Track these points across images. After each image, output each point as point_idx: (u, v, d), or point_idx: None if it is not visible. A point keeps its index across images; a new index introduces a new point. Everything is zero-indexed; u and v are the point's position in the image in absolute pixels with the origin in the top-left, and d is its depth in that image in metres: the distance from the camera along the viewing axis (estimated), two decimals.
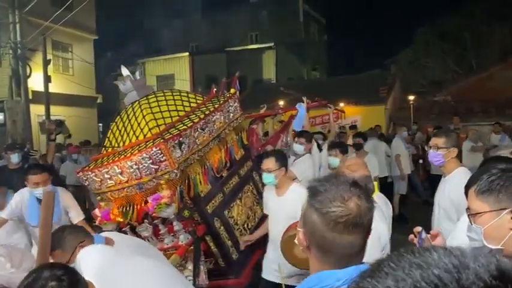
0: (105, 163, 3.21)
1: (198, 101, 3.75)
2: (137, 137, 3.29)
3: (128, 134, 3.36)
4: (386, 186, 7.17)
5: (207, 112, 3.46)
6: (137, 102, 3.52)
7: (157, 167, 3.00)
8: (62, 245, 2.10)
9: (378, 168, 5.90)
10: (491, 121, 10.63)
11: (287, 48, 26.17)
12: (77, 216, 3.65)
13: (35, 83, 15.25)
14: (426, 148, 3.40)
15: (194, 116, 3.45)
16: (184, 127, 3.23)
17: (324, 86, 20.04)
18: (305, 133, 5.18)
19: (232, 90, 4.01)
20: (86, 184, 3.37)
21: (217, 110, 3.54)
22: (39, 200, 3.42)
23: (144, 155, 2.99)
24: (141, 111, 3.37)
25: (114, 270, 1.83)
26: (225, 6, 27.06)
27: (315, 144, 5.12)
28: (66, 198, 3.67)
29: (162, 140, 3.00)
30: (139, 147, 3.10)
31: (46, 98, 14.79)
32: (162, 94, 3.63)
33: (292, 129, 5.52)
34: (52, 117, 15.18)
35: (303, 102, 5.71)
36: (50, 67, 15.58)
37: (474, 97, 15.41)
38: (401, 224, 6.72)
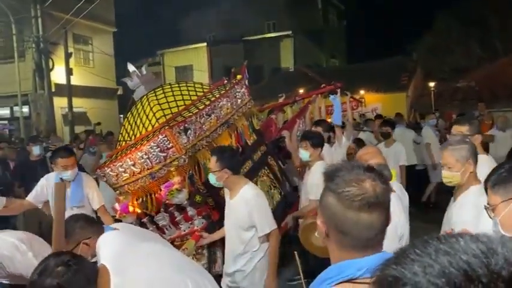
0: (119, 157, 3.30)
1: (205, 90, 3.79)
2: (146, 129, 3.37)
3: (138, 127, 3.45)
4: (415, 174, 7.00)
5: (212, 99, 3.48)
6: (145, 96, 3.61)
7: (165, 154, 3.08)
8: (68, 235, 2.15)
9: (405, 156, 5.77)
10: None
11: (305, 36, 25.88)
12: (97, 202, 3.71)
13: (58, 76, 15.57)
14: (448, 136, 3.24)
15: (200, 103, 3.50)
16: (190, 114, 3.28)
17: (343, 74, 19.78)
18: (323, 122, 5.12)
19: (238, 77, 3.97)
20: (104, 180, 3.45)
21: (223, 96, 3.55)
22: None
23: (152, 143, 3.08)
24: (149, 103, 3.46)
25: (128, 254, 1.88)
26: None
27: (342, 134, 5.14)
28: (88, 184, 3.73)
29: (167, 127, 3.07)
30: (148, 137, 3.19)
31: (68, 91, 15.10)
32: (169, 87, 3.70)
33: (303, 112, 5.42)
34: (74, 109, 15.53)
35: (336, 93, 5.56)
36: (72, 60, 15.87)
37: (499, 82, 14.98)
38: (433, 213, 6.65)
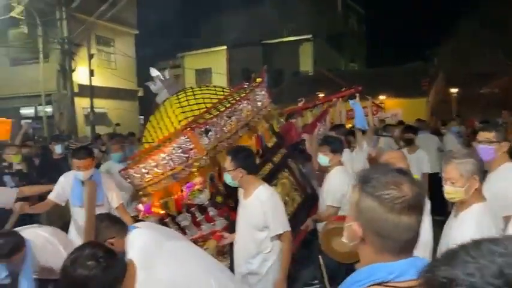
0: (142, 159, 3.38)
1: (226, 93, 3.84)
2: (169, 131, 3.44)
3: (161, 130, 3.53)
4: (438, 183, 6.86)
5: (233, 101, 3.54)
6: (168, 99, 3.70)
7: (187, 155, 3.15)
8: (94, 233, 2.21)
9: (429, 163, 5.65)
10: None
11: (324, 40, 25.79)
12: (116, 200, 3.79)
13: (80, 76, 15.91)
14: (474, 143, 3.15)
15: (221, 106, 3.56)
16: (211, 116, 3.34)
17: (362, 78, 19.61)
18: (341, 127, 5.09)
19: (258, 80, 3.98)
20: (128, 182, 3.53)
21: (244, 98, 3.60)
22: (82, 183, 3.65)
23: (175, 145, 3.15)
24: (171, 106, 3.55)
25: (154, 251, 1.91)
26: None
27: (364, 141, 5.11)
28: (108, 184, 3.84)
29: (189, 129, 3.14)
30: (170, 139, 3.26)
31: (90, 91, 15.42)
32: (190, 90, 3.78)
33: (325, 115, 5.43)
34: (95, 110, 15.84)
35: (355, 97, 5.53)
36: (94, 61, 16.20)
37: None
38: None
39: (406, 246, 1.06)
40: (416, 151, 5.64)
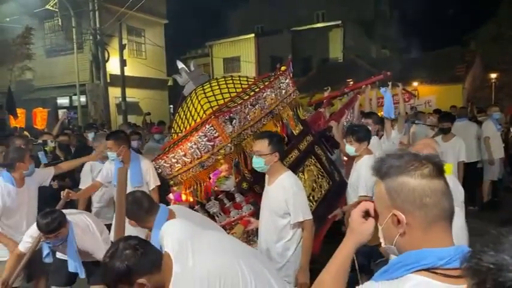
0: (171, 149, 3.48)
1: (250, 83, 3.89)
2: (195, 120, 3.52)
3: (188, 120, 3.62)
4: (476, 173, 6.62)
5: (257, 90, 3.58)
6: (193, 91, 3.77)
7: (213, 143, 3.22)
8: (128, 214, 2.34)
9: (465, 152, 5.45)
10: None
11: (355, 26, 25.19)
12: (153, 182, 3.98)
13: (112, 67, 16.28)
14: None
15: (245, 94, 3.61)
16: (235, 104, 3.40)
17: (394, 65, 19.07)
18: (373, 114, 4.98)
19: (282, 68, 3.97)
20: (159, 172, 3.64)
21: (268, 87, 3.63)
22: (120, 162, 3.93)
23: (200, 133, 3.23)
24: (197, 97, 3.63)
25: (189, 242, 1.93)
26: None
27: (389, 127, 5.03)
28: (146, 167, 4.00)
29: (213, 117, 3.20)
30: (196, 128, 3.34)
31: (122, 81, 15.76)
32: (215, 80, 3.86)
33: (352, 102, 5.32)
34: (127, 99, 16.19)
35: (387, 85, 5.41)
36: (125, 51, 16.52)
37: None
38: (489, 211, 6.28)
39: (450, 215, 1.06)
40: (452, 139, 5.45)
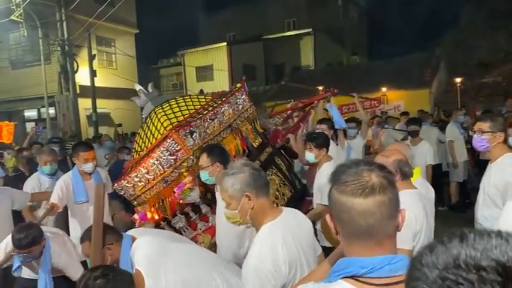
0: (133, 168, 3.50)
1: (207, 100, 4.06)
2: (156, 138, 3.58)
3: (148, 139, 3.69)
4: (440, 175, 6.83)
5: (215, 105, 3.76)
6: (153, 111, 3.84)
7: (175, 157, 3.31)
8: (90, 238, 2.27)
9: (432, 155, 5.65)
10: None
11: (325, 33, 25.69)
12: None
13: (82, 77, 15.95)
14: (471, 133, 3.13)
15: (203, 110, 3.76)
16: (194, 119, 3.54)
17: (364, 71, 19.56)
18: (326, 120, 5.19)
19: (238, 85, 4.18)
20: (122, 194, 3.60)
21: (225, 102, 3.80)
22: (84, 176, 3.93)
23: (162, 148, 3.30)
24: (157, 116, 3.71)
25: (160, 256, 1.92)
26: None
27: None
28: (104, 174, 4.19)
29: (173, 131, 3.31)
30: (158, 144, 3.41)
31: (92, 92, 15.45)
32: (174, 100, 3.96)
33: (306, 116, 5.58)
34: (98, 110, 15.89)
35: (329, 101, 5.69)
36: (95, 62, 16.22)
37: None
38: (457, 213, 6.49)
39: (369, 234, 1.04)
40: (419, 143, 5.63)
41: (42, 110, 16.68)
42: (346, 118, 6.22)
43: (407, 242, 2.07)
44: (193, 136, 3.37)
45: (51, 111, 15.91)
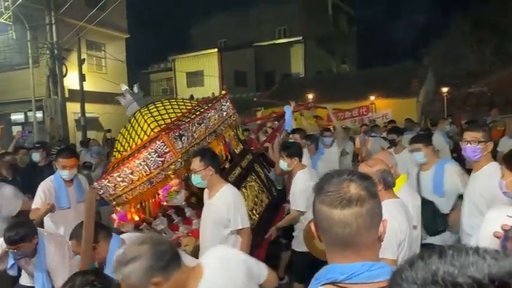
0: (116, 168, 3.47)
1: (193, 104, 4.12)
2: (141, 139, 3.57)
3: (133, 139, 3.66)
4: None
5: (202, 110, 3.80)
6: (138, 111, 3.84)
7: (163, 159, 3.30)
8: (79, 237, 2.32)
9: (414, 164, 5.74)
10: None
11: (315, 41, 25.90)
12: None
13: (71, 81, 15.82)
14: (461, 143, 3.17)
15: (191, 114, 3.79)
16: (183, 122, 3.56)
17: (353, 79, 19.74)
18: (299, 130, 5.37)
19: (223, 92, 4.28)
20: (101, 193, 3.58)
21: (211, 108, 3.87)
22: (66, 182, 3.90)
23: (150, 150, 3.29)
24: (142, 116, 3.70)
25: None
26: (253, 2, 27.07)
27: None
28: (86, 183, 4.16)
29: (164, 133, 3.30)
30: (145, 145, 3.40)
31: (81, 96, 15.33)
32: (160, 102, 3.99)
33: (284, 129, 5.76)
34: (87, 115, 15.75)
35: (289, 105, 5.96)
36: (85, 66, 16.11)
37: None
38: None
39: (347, 243, 1.08)
40: (401, 151, 5.70)
41: (29, 113, 16.48)
42: (322, 128, 6.61)
43: (392, 252, 2.09)
44: (182, 139, 3.39)
45: (39, 115, 15.73)
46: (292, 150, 3.92)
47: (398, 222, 2.17)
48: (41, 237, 2.91)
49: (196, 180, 3.08)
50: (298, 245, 3.79)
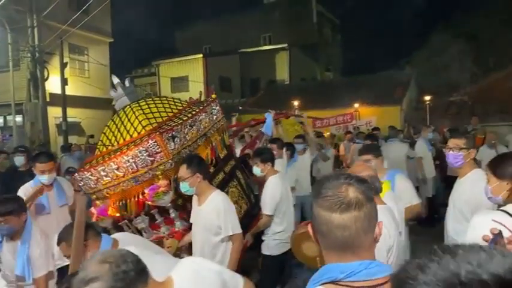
0: (101, 162, 3.38)
1: (184, 105, 4.07)
2: (131, 135, 3.49)
3: (121, 134, 3.57)
4: None
5: (193, 112, 3.77)
6: (128, 106, 3.76)
7: (153, 158, 3.23)
8: (68, 240, 2.29)
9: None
10: (509, 121, 10.40)
11: (300, 49, 26.12)
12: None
13: (53, 85, 15.54)
14: (445, 150, 3.24)
15: (183, 115, 3.74)
16: (176, 123, 3.50)
17: (337, 87, 19.95)
18: (277, 140, 5.46)
19: (213, 96, 4.25)
20: (81, 185, 3.51)
21: (203, 110, 3.85)
22: (46, 187, 3.85)
23: (141, 148, 3.21)
24: (133, 112, 3.62)
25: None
26: (238, 8, 27.18)
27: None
28: (67, 186, 4.14)
29: (157, 133, 3.23)
30: (135, 142, 3.31)
31: (63, 101, 15.05)
32: (151, 99, 3.94)
33: (262, 133, 5.83)
34: (68, 119, 15.47)
35: (270, 112, 6.06)
36: (67, 70, 15.86)
37: (492, 97, 15.15)
38: (426, 227, 6.62)
39: (346, 246, 1.10)
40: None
41: (9, 117, 16.11)
42: (296, 135, 6.78)
43: (381, 257, 2.09)
44: (175, 141, 3.35)
45: (19, 119, 15.39)
46: (265, 156, 4.02)
47: (387, 228, 2.17)
48: (29, 220, 2.92)
49: (184, 187, 3.07)
50: (268, 249, 3.92)
